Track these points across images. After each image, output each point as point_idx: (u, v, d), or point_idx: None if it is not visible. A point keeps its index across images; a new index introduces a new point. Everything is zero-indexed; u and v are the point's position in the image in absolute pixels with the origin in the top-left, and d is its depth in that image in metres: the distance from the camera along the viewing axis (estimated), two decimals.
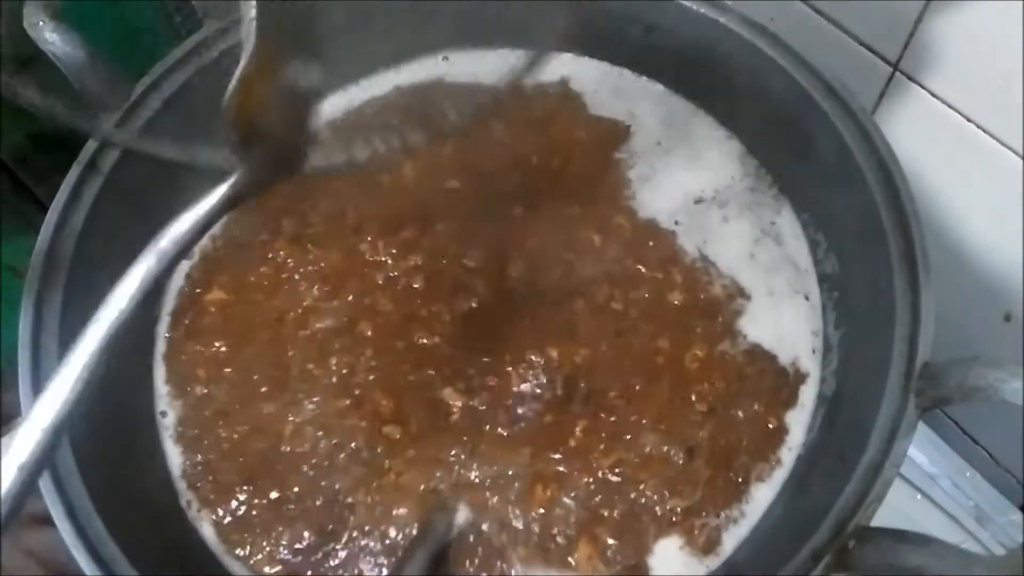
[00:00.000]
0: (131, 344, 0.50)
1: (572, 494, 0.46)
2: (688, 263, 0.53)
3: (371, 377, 0.49)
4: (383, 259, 0.53)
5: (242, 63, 0.29)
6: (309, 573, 0.45)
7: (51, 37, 0.48)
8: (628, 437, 0.47)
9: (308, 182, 0.56)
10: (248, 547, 0.46)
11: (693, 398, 0.48)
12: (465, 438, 0.47)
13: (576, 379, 0.48)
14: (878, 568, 0.35)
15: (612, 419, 0.47)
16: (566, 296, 0.51)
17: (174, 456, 0.48)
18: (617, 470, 0.46)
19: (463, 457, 0.47)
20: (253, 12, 0.28)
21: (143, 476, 0.47)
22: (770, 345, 0.51)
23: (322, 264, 0.53)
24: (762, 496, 0.46)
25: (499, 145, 0.56)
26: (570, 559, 0.45)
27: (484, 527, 0.45)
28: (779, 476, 0.47)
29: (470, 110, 0.44)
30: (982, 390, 0.37)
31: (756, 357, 0.50)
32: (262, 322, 0.51)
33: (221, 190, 0.33)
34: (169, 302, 0.53)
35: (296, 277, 0.53)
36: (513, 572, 0.44)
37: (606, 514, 0.45)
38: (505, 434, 0.47)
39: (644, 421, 0.47)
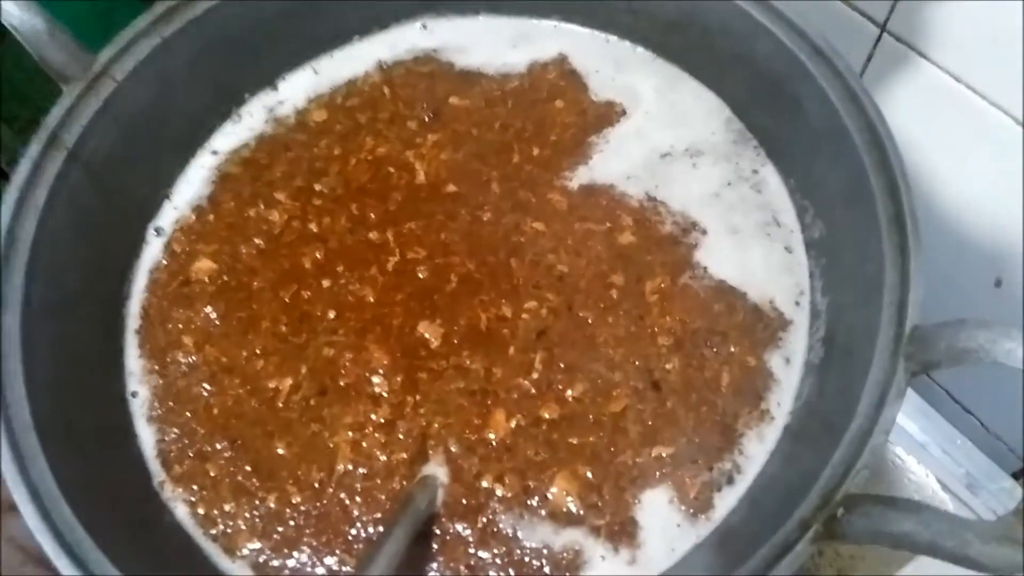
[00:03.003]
0: (97, 327, 0.49)
1: (539, 424, 0.46)
2: (635, 206, 0.53)
3: (364, 332, 0.49)
4: (378, 241, 0.53)
5: None
6: (286, 549, 0.44)
7: (7, 6, 0.46)
8: (585, 367, 0.48)
9: (310, 160, 0.56)
10: (224, 524, 0.45)
11: (655, 330, 0.49)
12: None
13: (529, 324, 0.49)
14: (868, 536, 0.35)
15: (568, 352, 0.48)
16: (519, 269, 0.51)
17: (147, 436, 0.47)
18: (581, 400, 0.47)
19: (439, 395, 0.48)
20: None
21: (113, 459, 0.45)
22: (737, 282, 0.50)
23: (323, 237, 0.53)
24: (755, 452, 0.46)
25: (491, 140, 0.56)
26: (549, 495, 0.44)
27: (462, 466, 0.45)
28: (771, 434, 0.46)
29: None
30: (973, 352, 0.36)
31: (723, 293, 0.50)
32: (259, 288, 0.51)
33: None
34: (141, 277, 0.52)
35: (294, 246, 0.52)
36: (496, 518, 0.44)
37: (575, 442, 0.46)
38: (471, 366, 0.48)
39: (600, 352, 0.48)
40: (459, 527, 0.44)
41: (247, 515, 0.45)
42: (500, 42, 0.60)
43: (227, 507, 0.45)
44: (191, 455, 0.47)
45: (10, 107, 0.85)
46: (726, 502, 0.45)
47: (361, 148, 0.56)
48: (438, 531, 0.44)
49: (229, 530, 0.45)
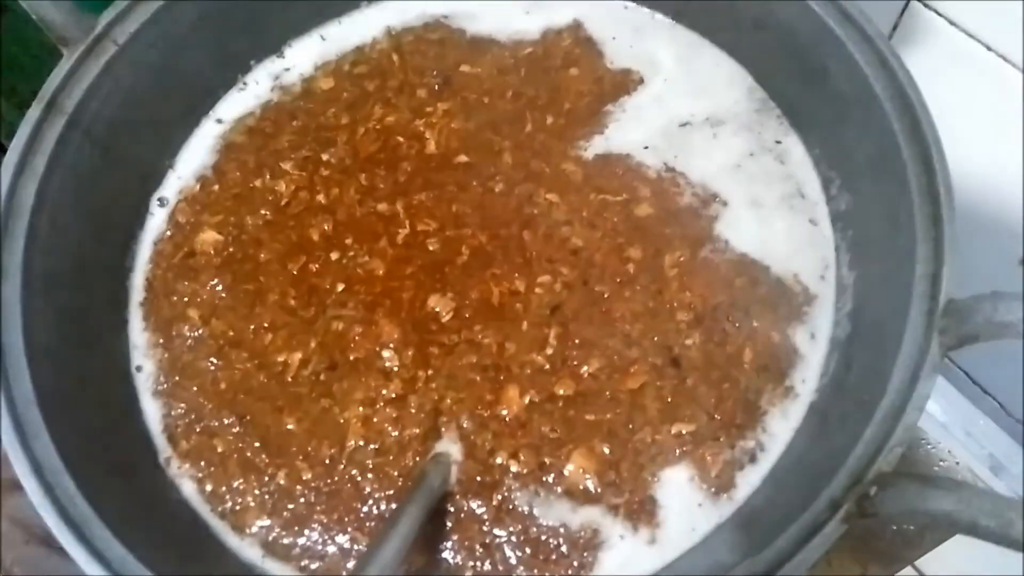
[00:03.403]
0: (100, 299, 0.48)
1: (554, 400, 0.45)
2: (653, 176, 0.51)
3: (374, 306, 0.48)
4: (387, 213, 0.51)
5: None
6: (297, 527, 0.43)
7: None
8: (601, 343, 0.46)
9: (317, 129, 0.54)
10: (233, 501, 0.44)
11: (674, 305, 0.47)
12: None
13: (543, 298, 0.48)
14: (903, 516, 0.33)
15: (584, 328, 0.47)
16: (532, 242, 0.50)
17: (152, 411, 0.46)
18: (597, 377, 0.45)
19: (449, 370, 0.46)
20: None
21: (118, 434, 0.44)
22: (760, 255, 0.49)
23: (331, 208, 0.51)
24: (779, 429, 0.44)
25: (503, 109, 0.54)
26: (565, 472, 0.43)
27: (475, 441, 0.44)
28: (796, 412, 0.45)
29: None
30: (1012, 326, 0.35)
31: (745, 266, 0.48)
32: (266, 260, 0.50)
33: None
34: (145, 248, 0.51)
35: (302, 217, 0.51)
36: (511, 495, 0.43)
37: (592, 419, 0.44)
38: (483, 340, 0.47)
39: (617, 327, 0.47)
40: (474, 504, 0.43)
41: (256, 492, 0.44)
42: (513, 8, 0.58)
43: (236, 484, 0.44)
44: (198, 430, 0.45)
45: (10, 81, 0.84)
46: (749, 481, 0.43)
47: (369, 117, 0.54)
48: (452, 509, 0.43)
49: (238, 507, 0.44)
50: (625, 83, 0.55)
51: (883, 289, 0.43)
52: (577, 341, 0.46)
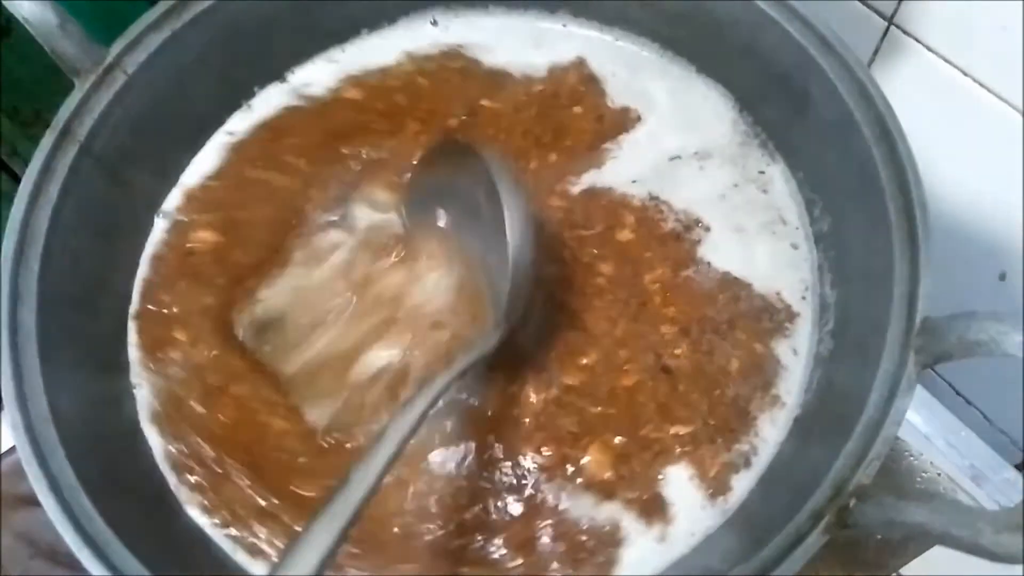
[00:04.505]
0: (110, 320, 0.49)
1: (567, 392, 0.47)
2: (637, 205, 0.53)
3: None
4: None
5: None
6: None
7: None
8: (595, 351, 0.48)
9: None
10: (241, 528, 0.45)
11: (658, 318, 0.49)
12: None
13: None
14: (881, 527, 0.35)
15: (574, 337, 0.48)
16: None
17: (152, 437, 0.47)
18: (594, 369, 0.47)
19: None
20: None
21: (126, 452, 0.45)
22: (742, 273, 0.50)
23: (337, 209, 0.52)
24: (769, 435, 0.46)
25: (516, 145, 0.56)
26: (583, 461, 0.45)
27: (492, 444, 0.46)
28: (783, 420, 0.46)
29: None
30: (984, 344, 0.37)
31: (728, 284, 0.50)
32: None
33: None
34: (145, 266, 0.52)
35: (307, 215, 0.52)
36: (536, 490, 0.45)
37: (599, 411, 0.46)
38: None
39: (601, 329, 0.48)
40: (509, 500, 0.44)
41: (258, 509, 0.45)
42: (522, 41, 0.58)
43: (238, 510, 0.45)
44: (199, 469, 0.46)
45: (13, 100, 0.85)
46: (743, 485, 0.45)
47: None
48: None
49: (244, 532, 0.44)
50: (624, 121, 0.56)
51: (863, 308, 0.45)
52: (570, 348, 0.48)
